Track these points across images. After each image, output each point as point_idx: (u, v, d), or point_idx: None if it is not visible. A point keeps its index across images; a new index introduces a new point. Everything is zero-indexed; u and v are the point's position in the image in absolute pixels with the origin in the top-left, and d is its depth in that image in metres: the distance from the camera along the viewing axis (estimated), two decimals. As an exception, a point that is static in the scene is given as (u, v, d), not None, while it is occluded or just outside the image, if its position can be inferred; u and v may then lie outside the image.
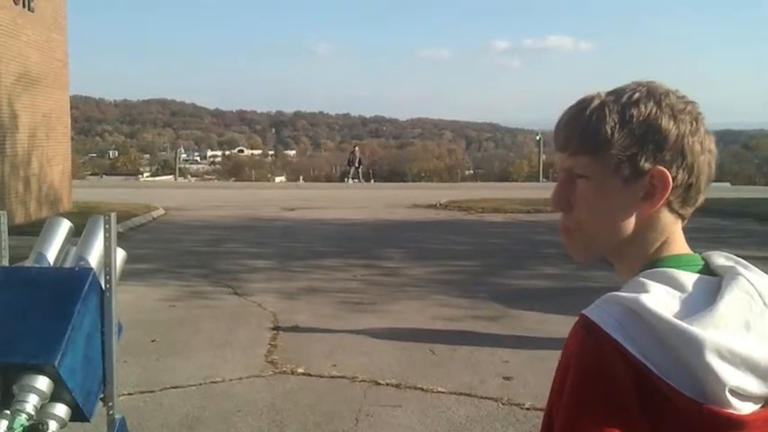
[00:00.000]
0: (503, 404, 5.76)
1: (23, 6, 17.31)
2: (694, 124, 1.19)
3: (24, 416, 2.12)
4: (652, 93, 1.20)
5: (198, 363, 6.79)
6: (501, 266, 12.31)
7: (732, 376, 1.04)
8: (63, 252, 2.69)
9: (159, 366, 6.70)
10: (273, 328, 8.01)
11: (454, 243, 15.54)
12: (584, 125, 1.21)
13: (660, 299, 1.09)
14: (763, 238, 16.14)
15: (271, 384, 6.24)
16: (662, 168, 1.16)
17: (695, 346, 1.03)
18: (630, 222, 1.19)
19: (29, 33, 17.69)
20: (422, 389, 6.08)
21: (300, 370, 6.55)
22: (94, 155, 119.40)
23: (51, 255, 2.64)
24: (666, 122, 1.17)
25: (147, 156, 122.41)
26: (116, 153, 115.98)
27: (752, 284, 1.13)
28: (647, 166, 1.17)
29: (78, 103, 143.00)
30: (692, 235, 1.23)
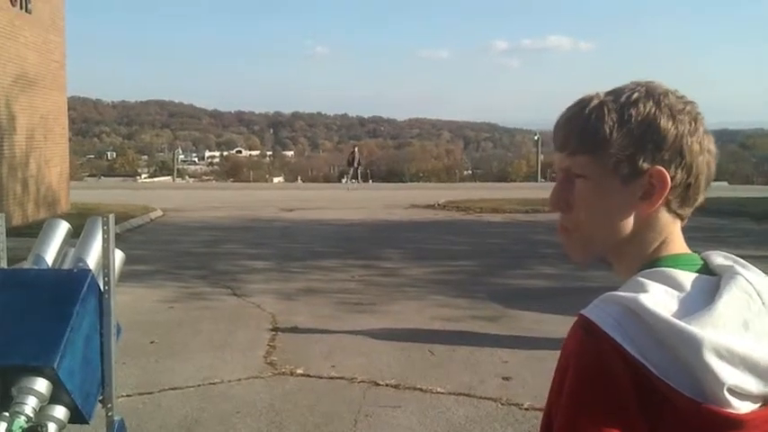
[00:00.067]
0: (502, 404, 5.76)
1: (21, 8, 17.29)
2: (693, 124, 1.19)
3: (23, 418, 2.12)
4: (651, 93, 1.20)
5: (197, 364, 6.78)
6: (499, 266, 12.31)
7: (731, 375, 1.04)
8: (61, 254, 2.69)
9: (158, 368, 6.70)
10: (272, 329, 8.01)
11: (452, 243, 15.55)
12: (582, 125, 1.21)
13: (659, 298, 1.09)
14: (761, 237, 16.16)
15: (270, 385, 6.24)
16: (660, 168, 1.16)
17: (694, 345, 1.03)
18: (629, 222, 1.19)
19: (26, 35, 17.68)
20: (421, 389, 6.08)
21: (299, 371, 6.55)
22: (92, 156, 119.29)
23: (50, 256, 2.64)
24: (665, 122, 1.17)
25: (145, 157, 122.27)
26: (114, 154, 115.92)
27: (750, 284, 1.13)
28: (645, 165, 1.17)
29: (76, 105, 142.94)
30: (689, 234, 1.23)
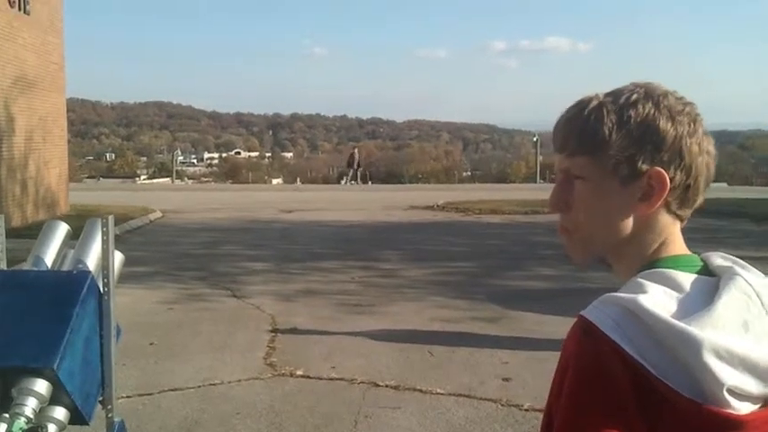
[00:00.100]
0: (502, 405, 5.76)
1: (19, 9, 17.27)
2: (692, 125, 1.19)
3: (23, 419, 2.12)
4: (650, 94, 1.20)
5: (196, 365, 6.78)
6: (499, 268, 12.31)
7: (730, 376, 1.04)
8: (61, 255, 2.69)
9: (158, 369, 6.70)
10: (272, 331, 8.01)
11: (452, 244, 15.55)
12: (581, 126, 1.21)
13: (658, 299, 1.09)
14: (760, 238, 16.16)
15: (269, 387, 6.24)
16: (659, 169, 1.17)
17: (693, 345, 1.04)
18: (628, 223, 1.20)
19: (25, 36, 17.68)
20: (421, 390, 6.08)
21: (299, 372, 6.55)
22: (91, 157, 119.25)
23: (49, 258, 2.64)
24: (664, 124, 1.17)
25: (144, 158, 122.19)
26: (113, 156, 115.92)
27: (750, 285, 1.14)
28: (644, 167, 1.17)
29: (75, 106, 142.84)
30: (688, 235, 1.23)
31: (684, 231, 1.24)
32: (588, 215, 1.22)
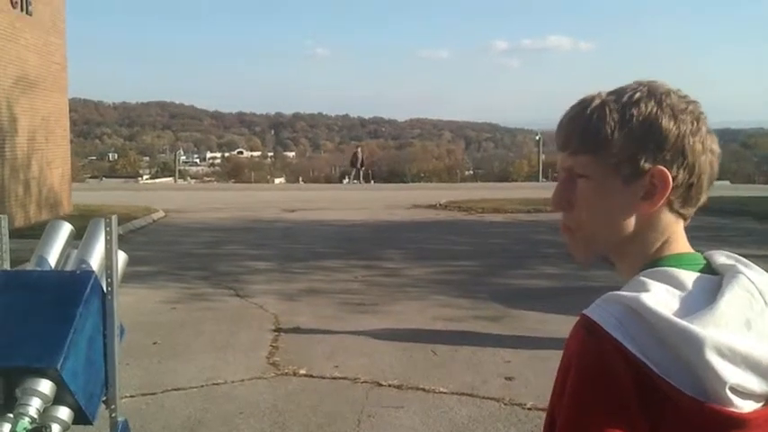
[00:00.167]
0: (505, 404, 5.76)
1: (21, 10, 17.29)
2: (695, 124, 1.19)
3: (27, 419, 2.12)
4: (653, 92, 1.20)
5: (199, 365, 6.79)
6: (501, 266, 12.31)
7: (732, 374, 1.04)
8: (64, 255, 2.69)
9: (161, 369, 6.70)
10: (275, 330, 8.01)
11: (454, 243, 15.55)
12: (584, 124, 1.21)
13: (660, 297, 1.09)
14: (763, 236, 16.15)
15: (273, 386, 6.25)
16: (662, 168, 1.17)
17: (695, 344, 1.04)
18: (631, 222, 1.20)
19: (27, 37, 17.69)
20: (424, 389, 6.08)
21: (302, 371, 6.55)
22: (94, 158, 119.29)
23: (52, 258, 2.64)
24: (667, 122, 1.17)
25: (147, 158, 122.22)
26: (115, 156, 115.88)
27: (752, 283, 1.14)
28: (647, 165, 1.17)
29: (77, 106, 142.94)
30: (691, 234, 1.23)
31: (687, 230, 1.24)
32: (591, 214, 1.22)
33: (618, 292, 1.12)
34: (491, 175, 70.90)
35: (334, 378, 6.40)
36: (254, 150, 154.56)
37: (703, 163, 1.19)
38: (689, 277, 1.14)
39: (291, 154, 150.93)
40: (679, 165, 1.17)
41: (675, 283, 1.13)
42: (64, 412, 2.27)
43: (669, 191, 1.17)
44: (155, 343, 7.47)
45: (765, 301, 1.13)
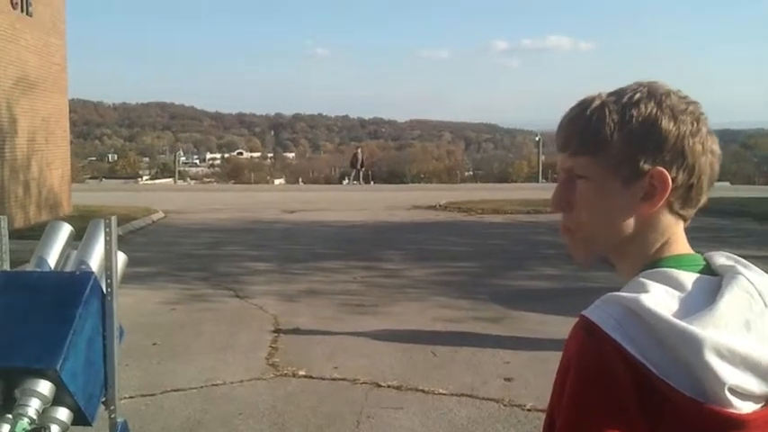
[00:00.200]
0: (504, 405, 5.76)
1: (22, 11, 17.30)
2: (695, 125, 1.18)
3: (26, 420, 2.12)
4: (653, 93, 1.20)
5: (199, 366, 6.79)
6: (501, 267, 12.31)
7: (731, 375, 1.04)
8: (64, 256, 2.69)
9: (160, 369, 6.70)
10: (274, 331, 8.01)
11: (454, 244, 15.55)
12: (584, 125, 1.21)
13: (660, 298, 1.09)
14: (763, 237, 16.15)
15: (272, 387, 6.24)
16: (661, 169, 1.17)
17: (694, 345, 1.04)
18: (630, 223, 1.20)
19: (27, 38, 17.70)
20: (423, 390, 6.08)
21: (302, 372, 6.55)
22: (94, 158, 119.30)
23: (52, 259, 2.64)
24: (666, 123, 1.17)
25: (147, 159, 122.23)
26: (115, 156, 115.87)
27: (752, 284, 1.13)
28: (646, 167, 1.17)
29: (77, 107, 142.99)
30: (691, 235, 1.23)
31: (687, 231, 1.23)
32: (590, 215, 1.22)
33: (617, 293, 1.11)
34: (491, 175, 70.88)
35: (333, 379, 6.40)
36: (254, 151, 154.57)
37: (703, 164, 1.19)
38: (688, 278, 1.14)
39: (291, 155, 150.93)
40: (679, 166, 1.17)
41: (675, 284, 1.12)
42: (63, 413, 2.27)
43: (669, 192, 1.17)
44: (154, 344, 7.47)
45: (765, 303, 1.13)
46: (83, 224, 2.74)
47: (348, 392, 6.09)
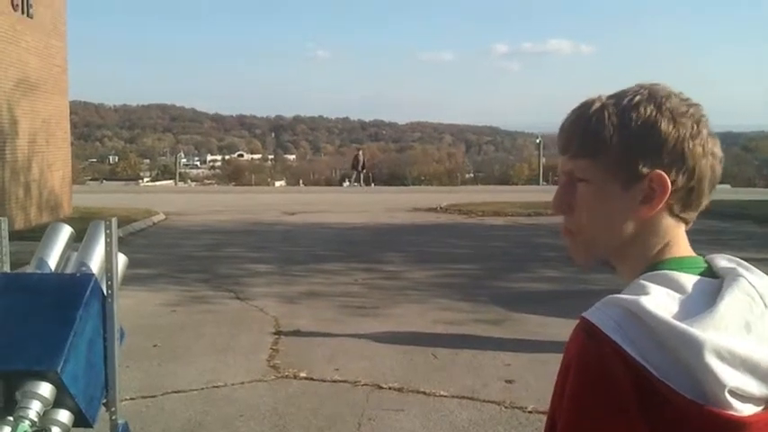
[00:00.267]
0: (505, 408, 5.75)
1: (22, 12, 17.29)
2: (695, 127, 1.18)
3: (27, 422, 2.12)
4: (653, 96, 1.20)
5: (200, 367, 6.78)
6: (502, 270, 12.30)
7: (732, 377, 1.04)
8: (64, 258, 2.70)
9: (161, 371, 6.70)
10: (275, 333, 8.01)
11: (455, 246, 15.54)
12: (583, 128, 1.21)
13: (660, 301, 1.09)
14: (763, 240, 16.13)
15: (273, 389, 6.24)
16: (660, 172, 1.17)
17: (694, 346, 1.04)
18: (630, 226, 1.20)
19: (28, 39, 17.70)
20: (424, 393, 6.08)
21: (303, 374, 6.55)
22: (94, 160, 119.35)
23: (53, 260, 2.65)
24: (666, 126, 1.17)
25: (147, 161, 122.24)
26: (116, 158, 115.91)
27: (753, 286, 1.13)
28: (645, 170, 1.17)
29: (78, 109, 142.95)
30: (691, 237, 1.23)
31: (688, 233, 1.23)
32: (590, 218, 1.22)
33: (617, 296, 1.11)
34: (491, 178, 70.86)
35: (334, 381, 6.40)
36: (255, 153, 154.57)
37: (704, 167, 1.19)
38: (689, 280, 1.14)
39: (292, 157, 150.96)
40: (678, 169, 1.17)
41: (675, 287, 1.12)
42: (64, 415, 2.28)
43: (668, 195, 1.17)
44: (155, 346, 7.47)
45: (765, 305, 1.13)
46: (83, 226, 2.75)
47: (349, 394, 6.09)
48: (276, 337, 7.85)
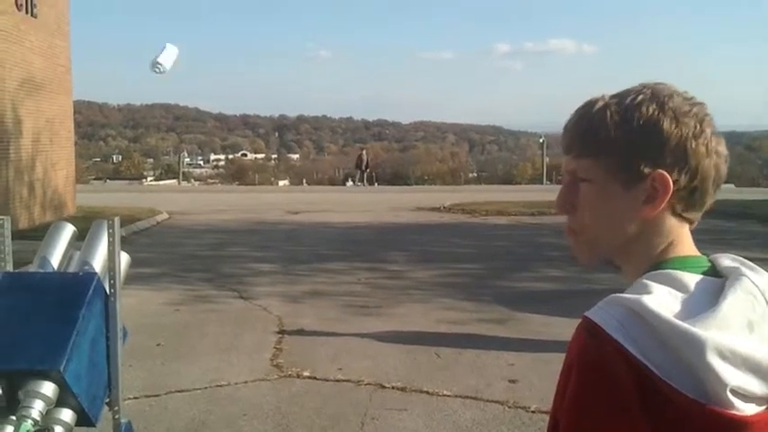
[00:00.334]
0: (508, 407, 5.75)
1: (26, 12, 17.31)
2: (699, 126, 1.18)
3: (30, 421, 2.12)
4: (656, 95, 1.19)
5: (203, 367, 6.79)
6: (505, 269, 12.30)
7: (733, 376, 1.04)
8: (67, 256, 2.70)
9: (164, 370, 6.70)
10: (279, 332, 8.01)
11: (458, 246, 15.54)
12: (586, 127, 1.21)
13: (662, 300, 1.09)
14: (767, 239, 16.12)
15: (276, 388, 6.24)
16: (662, 172, 1.16)
17: (696, 346, 1.03)
18: (633, 226, 1.19)
19: (32, 39, 17.72)
20: (427, 392, 6.07)
21: (306, 373, 6.55)
22: (98, 159, 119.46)
23: (55, 259, 2.65)
24: (668, 125, 1.16)
25: (151, 160, 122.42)
26: (119, 157, 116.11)
27: (755, 285, 1.13)
28: (647, 169, 1.17)
29: (81, 108, 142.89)
30: (695, 236, 1.23)
31: (692, 233, 1.23)
32: (593, 217, 1.22)
33: (620, 295, 1.11)
34: (495, 177, 70.94)
35: (337, 380, 6.40)
36: (258, 153, 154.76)
37: (707, 166, 1.18)
38: (692, 280, 1.13)
39: (295, 156, 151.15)
40: (681, 168, 1.17)
41: (678, 286, 1.12)
42: (67, 414, 2.27)
43: (670, 195, 1.17)
44: (158, 345, 7.47)
45: None
46: (86, 225, 2.75)
47: (352, 394, 6.09)
48: (280, 336, 7.86)
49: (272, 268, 12.26)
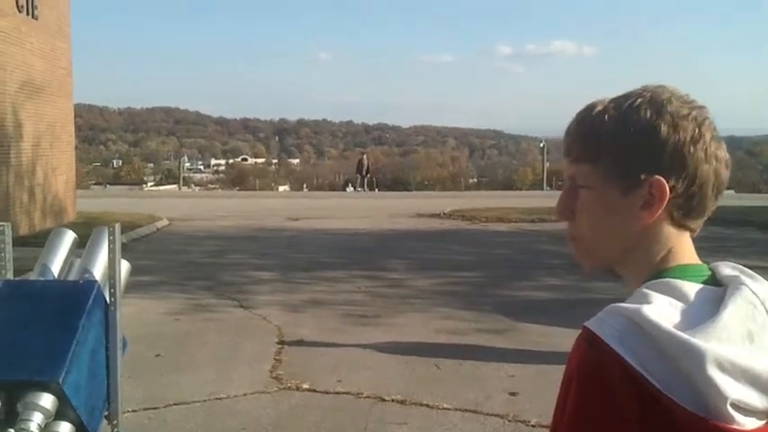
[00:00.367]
0: (508, 421, 5.71)
1: (27, 14, 17.26)
2: (698, 131, 1.16)
3: (29, 435, 2.11)
4: (655, 99, 1.18)
5: (202, 378, 6.75)
6: (505, 277, 12.28)
7: (734, 389, 1.03)
8: (67, 264, 2.69)
9: (163, 382, 6.67)
10: (278, 342, 7.97)
11: (458, 253, 15.52)
12: (584, 132, 1.21)
13: (662, 310, 1.08)
14: (766, 246, 16.10)
15: (276, 401, 6.21)
16: (659, 178, 1.15)
17: (696, 357, 1.02)
18: (631, 233, 1.19)
19: (33, 41, 17.68)
20: (427, 405, 6.04)
21: (305, 386, 6.51)
22: (98, 164, 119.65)
23: (56, 267, 2.63)
24: (665, 130, 1.15)
25: (151, 165, 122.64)
26: (120, 162, 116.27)
27: (755, 294, 1.12)
28: (644, 175, 1.15)
29: (82, 111, 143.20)
30: (695, 244, 1.21)
31: (692, 240, 1.21)
32: (591, 224, 1.21)
33: (620, 305, 1.10)
34: (495, 183, 71.05)
35: (337, 393, 6.35)
36: (259, 157, 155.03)
37: (705, 172, 1.16)
38: (692, 289, 1.12)
39: (296, 161, 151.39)
40: (678, 174, 1.15)
41: (678, 295, 1.11)
42: (65, 427, 2.26)
43: (666, 201, 1.15)
44: (157, 355, 7.44)
45: None
46: (87, 231, 2.74)
47: (352, 407, 6.05)
48: (279, 346, 7.82)
49: (271, 276, 12.24)
